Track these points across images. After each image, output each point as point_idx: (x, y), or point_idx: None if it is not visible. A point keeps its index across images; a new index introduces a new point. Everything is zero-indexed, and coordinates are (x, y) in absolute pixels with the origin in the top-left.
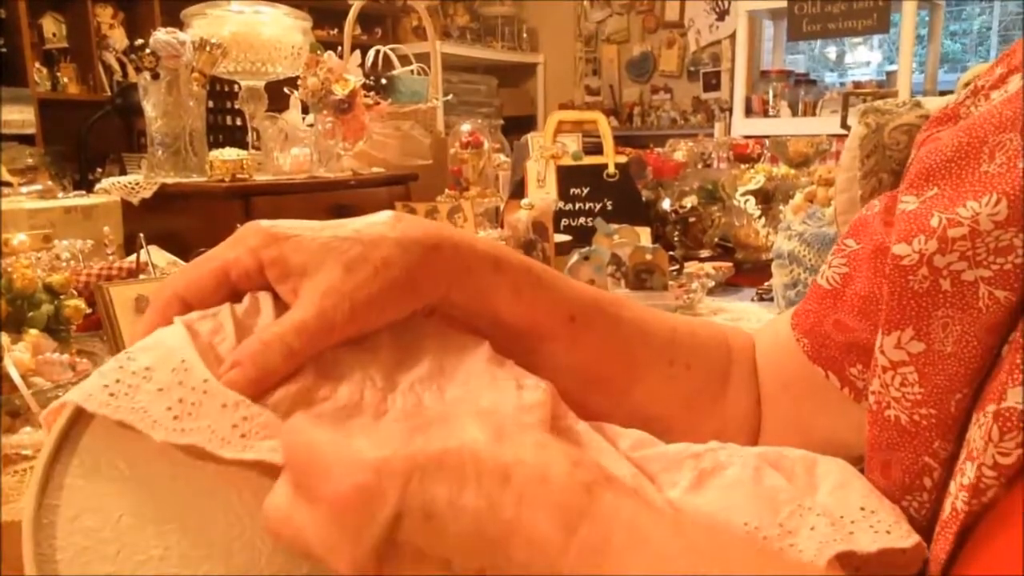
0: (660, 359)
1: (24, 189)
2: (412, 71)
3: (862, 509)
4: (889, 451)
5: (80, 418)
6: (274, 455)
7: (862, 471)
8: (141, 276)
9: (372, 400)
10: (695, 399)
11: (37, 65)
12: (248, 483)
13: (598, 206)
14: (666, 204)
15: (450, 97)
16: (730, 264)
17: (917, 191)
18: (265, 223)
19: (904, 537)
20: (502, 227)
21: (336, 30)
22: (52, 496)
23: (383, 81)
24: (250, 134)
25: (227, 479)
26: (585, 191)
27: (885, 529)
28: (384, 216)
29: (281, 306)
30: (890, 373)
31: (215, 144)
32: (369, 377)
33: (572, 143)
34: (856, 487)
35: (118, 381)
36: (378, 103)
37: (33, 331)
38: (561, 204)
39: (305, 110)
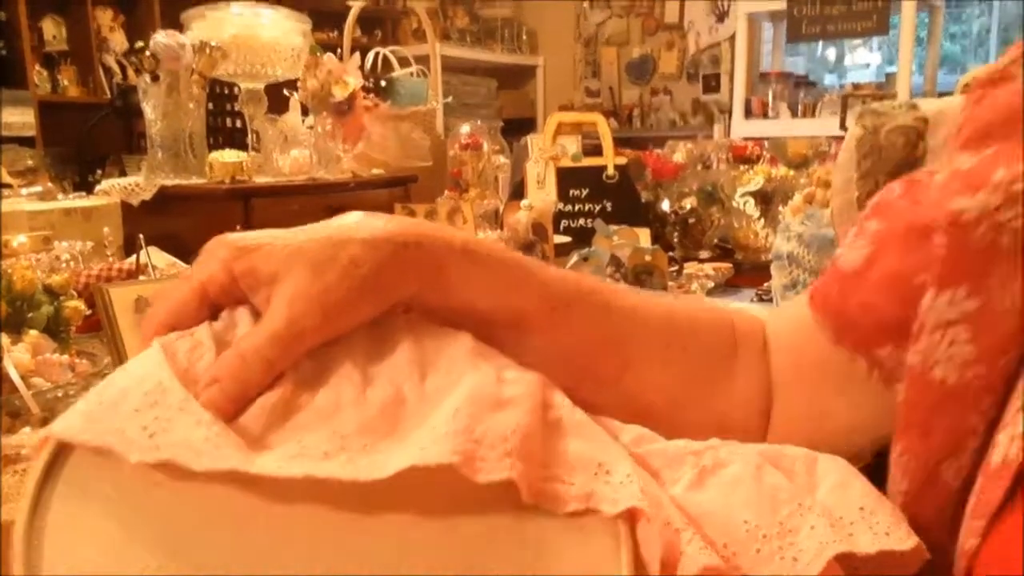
0: (654, 343)
1: (24, 191)
2: (412, 73)
3: (861, 509)
4: (932, 413)
5: (63, 449)
6: (247, 465)
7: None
8: (141, 277)
9: (350, 397)
10: (695, 382)
11: (37, 67)
12: (239, 497)
13: (597, 207)
14: (665, 205)
15: (450, 99)
16: (729, 265)
17: (974, 148)
18: (232, 236)
19: (903, 539)
20: (502, 228)
21: (336, 32)
22: (41, 519)
23: (383, 83)
24: (250, 136)
25: (215, 495)
26: (584, 192)
27: (884, 531)
28: (355, 216)
29: (259, 318)
30: (939, 332)
31: (215, 146)
32: (346, 375)
33: (572, 145)
34: (856, 487)
35: (99, 404)
36: (378, 105)
37: (33, 332)
38: (561, 205)
39: (305, 112)
